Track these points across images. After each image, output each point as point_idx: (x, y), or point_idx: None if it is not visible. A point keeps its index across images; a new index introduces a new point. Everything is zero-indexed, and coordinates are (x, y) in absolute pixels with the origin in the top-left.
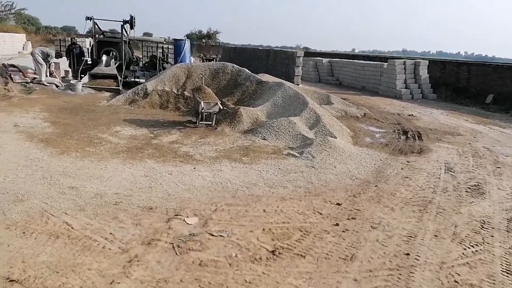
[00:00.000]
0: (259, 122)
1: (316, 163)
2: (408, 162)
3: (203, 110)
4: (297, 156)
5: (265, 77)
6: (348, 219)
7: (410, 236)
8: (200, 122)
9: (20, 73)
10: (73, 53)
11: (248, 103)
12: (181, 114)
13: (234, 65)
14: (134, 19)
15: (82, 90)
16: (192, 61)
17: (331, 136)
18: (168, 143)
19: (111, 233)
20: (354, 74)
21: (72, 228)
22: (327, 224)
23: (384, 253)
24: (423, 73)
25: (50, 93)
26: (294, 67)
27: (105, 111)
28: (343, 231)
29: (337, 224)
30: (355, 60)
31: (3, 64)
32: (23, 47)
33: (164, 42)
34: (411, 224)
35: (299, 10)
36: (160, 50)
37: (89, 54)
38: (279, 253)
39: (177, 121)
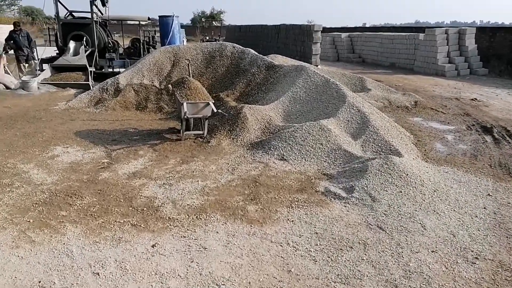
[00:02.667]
0: (272, 129)
1: (384, 216)
2: None
3: (187, 116)
4: (343, 198)
5: (278, 60)
6: None
7: None
8: (186, 133)
9: None
10: (17, 41)
11: (256, 98)
12: (164, 117)
13: (236, 45)
14: None
15: (38, 88)
16: (184, 43)
17: (395, 153)
18: (126, 177)
19: None
20: (380, 49)
21: None
22: None
23: None
24: (470, 43)
25: None
26: (311, 45)
27: (57, 118)
28: None
29: None
30: (381, 33)
31: None
32: None
33: (149, 21)
34: None
35: None
36: (146, 32)
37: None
38: None
39: (154, 130)
